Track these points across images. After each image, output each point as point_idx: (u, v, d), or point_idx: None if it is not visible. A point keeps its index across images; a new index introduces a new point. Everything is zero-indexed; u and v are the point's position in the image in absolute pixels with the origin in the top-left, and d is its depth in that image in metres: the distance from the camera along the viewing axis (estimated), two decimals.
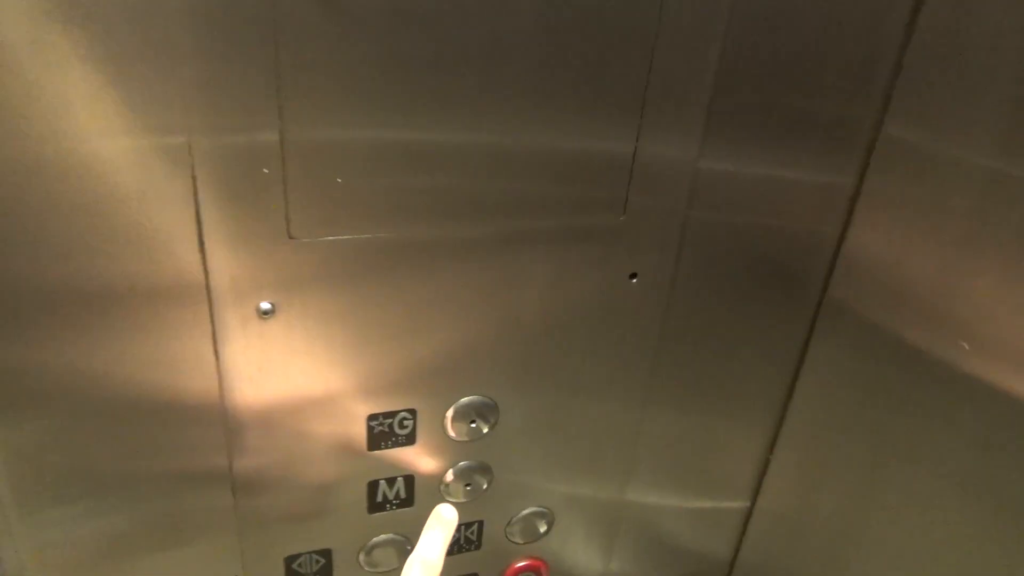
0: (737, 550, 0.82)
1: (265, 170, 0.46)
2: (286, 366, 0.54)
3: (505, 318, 0.57)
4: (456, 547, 0.69)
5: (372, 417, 0.59)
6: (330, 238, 0.50)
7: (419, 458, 0.62)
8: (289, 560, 0.64)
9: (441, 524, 0.57)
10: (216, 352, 0.52)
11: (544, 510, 0.70)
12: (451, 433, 0.62)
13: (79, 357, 0.50)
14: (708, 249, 0.60)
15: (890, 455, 0.62)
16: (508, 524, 0.70)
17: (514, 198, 0.52)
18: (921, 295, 0.58)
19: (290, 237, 0.49)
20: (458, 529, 0.68)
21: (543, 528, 0.71)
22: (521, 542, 0.72)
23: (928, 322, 0.58)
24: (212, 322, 0.51)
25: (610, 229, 0.56)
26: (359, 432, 0.59)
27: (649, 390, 0.66)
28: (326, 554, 0.65)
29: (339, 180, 0.48)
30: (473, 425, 0.62)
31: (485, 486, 0.66)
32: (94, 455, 0.54)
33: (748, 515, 0.79)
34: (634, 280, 0.59)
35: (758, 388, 0.70)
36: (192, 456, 0.56)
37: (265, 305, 0.51)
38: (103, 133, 0.43)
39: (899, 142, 0.57)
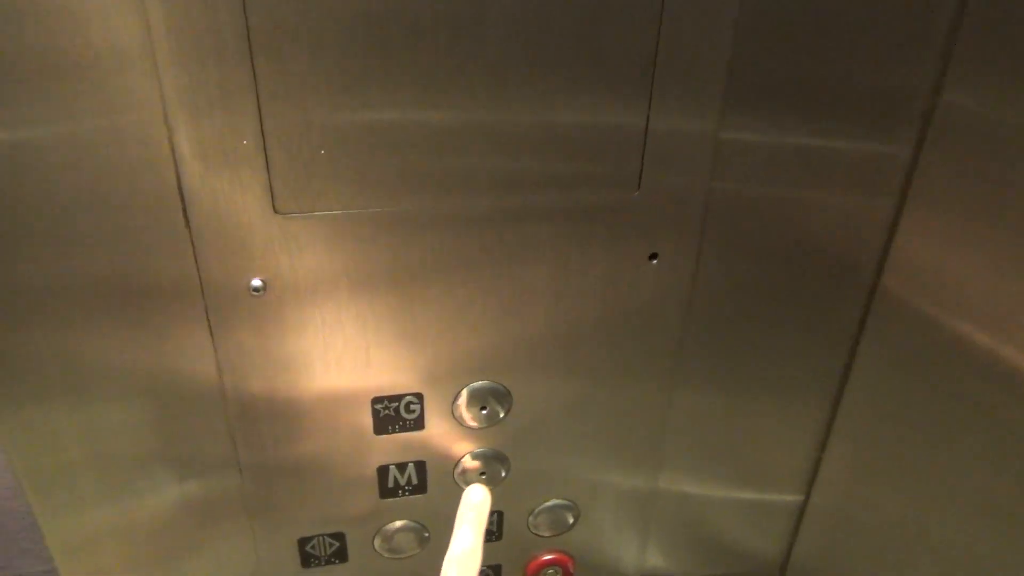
0: (790, 548, 0.77)
1: (245, 141, 0.44)
2: (282, 346, 0.52)
3: (512, 300, 0.54)
4: None
5: (377, 400, 0.57)
6: (318, 213, 0.48)
7: (429, 444, 0.60)
8: (302, 542, 0.63)
9: (471, 511, 0.54)
10: (211, 332, 0.51)
11: (568, 501, 0.67)
12: (462, 419, 0.59)
13: (78, 349, 0.50)
14: (737, 227, 0.55)
15: (957, 453, 0.57)
16: (531, 515, 0.67)
17: (513, 172, 0.49)
18: (987, 281, 0.52)
19: (276, 212, 0.47)
20: None
21: (569, 520, 0.68)
22: (546, 535, 0.69)
23: (994, 312, 0.52)
24: (204, 302, 0.50)
25: (624, 205, 0.52)
26: (365, 416, 0.57)
27: (677, 377, 0.61)
28: (339, 537, 0.64)
29: (323, 152, 0.45)
30: (485, 412, 0.59)
31: (503, 474, 0.63)
32: (105, 447, 0.54)
33: (802, 511, 0.74)
34: (654, 261, 0.54)
35: (805, 377, 0.65)
36: (197, 441, 0.56)
37: (256, 282, 0.49)
38: (76, 114, 0.42)
39: (960, 110, 0.51)
